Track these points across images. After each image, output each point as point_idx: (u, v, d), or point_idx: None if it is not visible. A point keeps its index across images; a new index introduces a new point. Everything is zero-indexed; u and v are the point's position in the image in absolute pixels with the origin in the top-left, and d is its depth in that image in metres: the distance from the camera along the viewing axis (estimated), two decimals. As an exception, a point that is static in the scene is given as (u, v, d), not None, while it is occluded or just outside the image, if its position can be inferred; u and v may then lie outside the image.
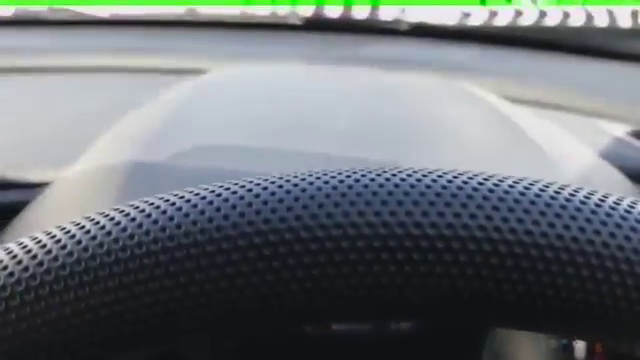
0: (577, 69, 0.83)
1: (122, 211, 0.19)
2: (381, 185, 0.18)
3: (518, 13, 0.96)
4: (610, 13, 0.93)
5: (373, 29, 0.89)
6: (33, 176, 0.44)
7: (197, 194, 0.19)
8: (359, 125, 0.42)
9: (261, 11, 0.90)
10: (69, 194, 0.39)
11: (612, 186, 0.43)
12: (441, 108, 0.45)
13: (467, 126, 0.40)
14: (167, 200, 0.19)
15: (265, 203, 0.18)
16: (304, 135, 0.40)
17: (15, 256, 0.19)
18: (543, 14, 0.96)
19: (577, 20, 0.94)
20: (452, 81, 0.57)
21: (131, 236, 0.18)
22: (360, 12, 0.93)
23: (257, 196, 0.18)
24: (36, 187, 0.43)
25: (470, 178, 0.19)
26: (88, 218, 0.20)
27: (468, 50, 0.87)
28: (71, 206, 0.38)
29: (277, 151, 0.37)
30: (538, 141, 0.41)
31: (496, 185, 0.18)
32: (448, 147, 0.38)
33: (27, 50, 0.76)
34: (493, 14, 0.96)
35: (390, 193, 0.18)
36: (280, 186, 0.18)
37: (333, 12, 0.92)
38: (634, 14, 0.92)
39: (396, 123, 0.41)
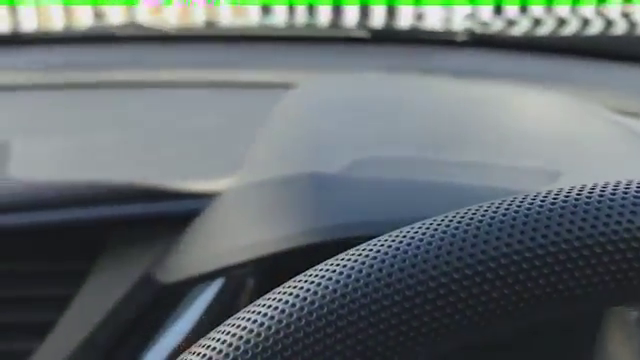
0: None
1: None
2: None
3: (585, 22, 0.96)
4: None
5: (438, 40, 0.90)
6: (194, 187, 0.46)
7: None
8: (502, 135, 0.44)
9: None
10: (246, 204, 0.42)
11: None
12: (570, 122, 0.46)
13: (600, 139, 0.42)
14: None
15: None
16: (459, 146, 0.42)
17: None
18: (609, 23, 0.97)
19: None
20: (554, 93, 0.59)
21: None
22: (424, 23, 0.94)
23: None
24: (202, 197, 0.45)
25: None
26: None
27: (535, 60, 0.88)
28: (251, 216, 0.41)
29: (444, 162, 0.39)
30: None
31: None
32: (597, 159, 0.40)
33: (141, 64, 0.80)
34: (560, 23, 0.96)
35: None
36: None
37: (400, 24, 0.93)
38: None
39: (533, 133, 0.43)
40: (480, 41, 0.87)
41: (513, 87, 0.65)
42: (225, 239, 0.42)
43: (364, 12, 2.18)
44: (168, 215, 0.46)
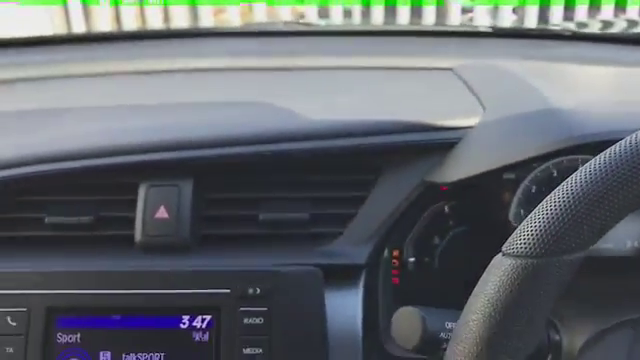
0: None
1: None
2: None
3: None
4: None
5: (543, 35, 1.15)
6: (451, 123, 0.72)
7: None
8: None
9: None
10: (497, 130, 0.68)
11: None
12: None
13: None
14: None
15: None
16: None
17: None
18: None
19: None
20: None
21: None
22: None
23: None
24: (459, 129, 0.71)
25: None
26: None
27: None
28: (503, 137, 0.68)
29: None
30: None
31: None
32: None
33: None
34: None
35: None
36: None
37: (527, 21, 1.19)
38: None
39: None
40: (578, 36, 1.12)
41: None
42: (486, 152, 0.67)
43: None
44: (435, 141, 0.71)
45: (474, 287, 0.47)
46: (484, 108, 0.74)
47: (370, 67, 0.98)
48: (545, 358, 0.63)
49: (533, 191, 0.71)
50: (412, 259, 0.76)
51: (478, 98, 0.77)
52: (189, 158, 0.71)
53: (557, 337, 0.63)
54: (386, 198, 0.71)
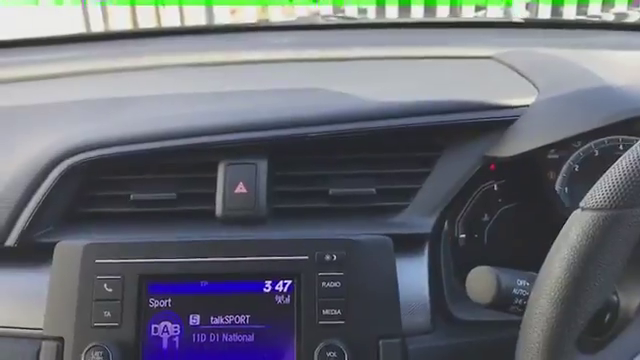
0: None
1: None
2: None
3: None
4: None
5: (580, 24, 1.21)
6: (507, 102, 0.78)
7: None
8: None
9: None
10: (555, 107, 0.74)
11: None
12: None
13: None
14: None
15: None
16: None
17: None
18: None
19: None
20: None
21: None
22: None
23: None
24: (515, 108, 0.78)
25: None
26: None
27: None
28: (561, 114, 0.73)
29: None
30: None
31: None
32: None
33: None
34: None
35: None
36: None
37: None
38: None
39: None
40: (614, 26, 1.18)
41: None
42: (543, 127, 0.73)
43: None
44: (494, 119, 0.77)
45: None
46: (538, 89, 0.79)
47: (413, 57, 1.04)
48: (604, 317, 0.68)
49: (576, 170, 0.77)
50: (463, 235, 0.82)
51: (529, 80, 0.82)
52: (265, 138, 0.77)
53: (615, 298, 0.68)
54: (448, 173, 0.77)
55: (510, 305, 0.61)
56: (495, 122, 0.77)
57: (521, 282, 0.61)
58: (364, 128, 0.77)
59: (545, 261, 0.52)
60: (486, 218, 0.83)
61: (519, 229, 0.82)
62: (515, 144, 0.75)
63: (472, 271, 0.63)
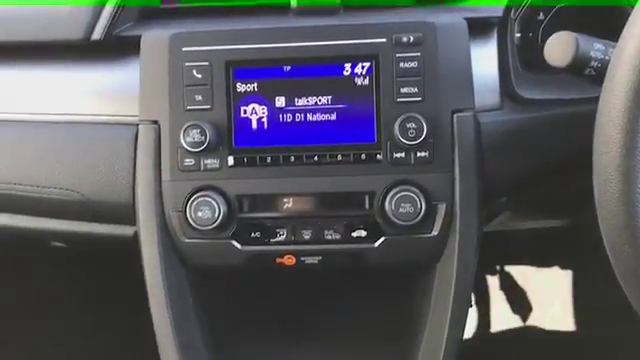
0: None
1: None
2: None
3: None
4: None
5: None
6: None
7: None
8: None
9: None
10: None
11: None
12: None
13: None
14: None
15: None
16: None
17: None
18: None
19: None
20: None
21: None
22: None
23: None
24: None
25: None
26: None
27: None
28: None
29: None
30: None
31: None
32: None
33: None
34: None
35: None
36: None
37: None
38: None
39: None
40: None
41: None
42: None
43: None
44: None
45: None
46: None
47: None
48: None
49: None
50: (518, 34, 0.85)
51: None
52: None
53: None
54: None
55: (587, 67, 0.65)
56: None
57: (597, 45, 0.65)
58: None
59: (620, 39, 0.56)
60: (541, 17, 0.85)
61: (574, 30, 0.84)
62: None
63: (552, 36, 0.66)
